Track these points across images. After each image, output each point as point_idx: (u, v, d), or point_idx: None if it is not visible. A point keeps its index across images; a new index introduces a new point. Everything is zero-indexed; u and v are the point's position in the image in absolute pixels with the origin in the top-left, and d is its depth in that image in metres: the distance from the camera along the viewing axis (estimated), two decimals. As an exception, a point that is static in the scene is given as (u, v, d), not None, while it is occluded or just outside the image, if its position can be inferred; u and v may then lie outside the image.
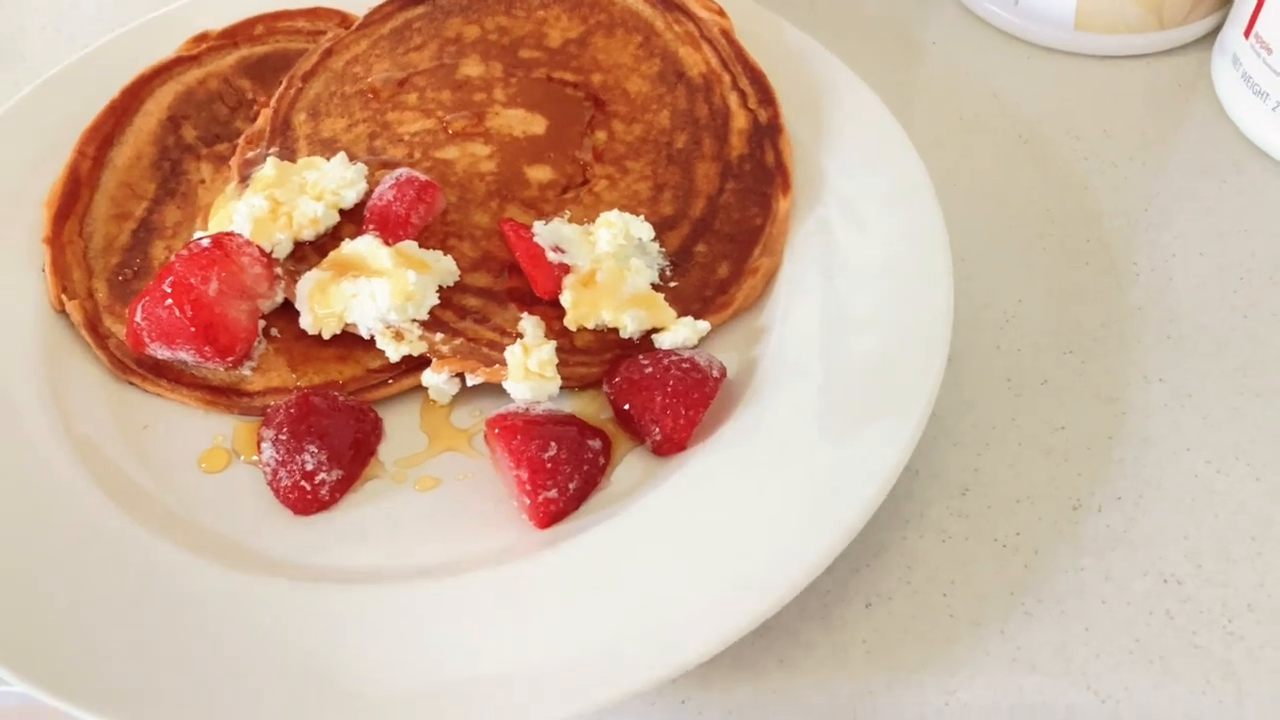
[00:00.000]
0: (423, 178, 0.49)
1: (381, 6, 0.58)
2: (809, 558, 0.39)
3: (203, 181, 0.53)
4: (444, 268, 0.47)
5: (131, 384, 0.47)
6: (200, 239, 0.47)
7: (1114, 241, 0.53)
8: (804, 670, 0.41)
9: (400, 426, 0.46)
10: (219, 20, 0.58)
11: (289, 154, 0.52)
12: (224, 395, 0.47)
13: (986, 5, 0.63)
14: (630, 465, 0.45)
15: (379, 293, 0.45)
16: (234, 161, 0.52)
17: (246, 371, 0.47)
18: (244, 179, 0.51)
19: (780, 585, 0.39)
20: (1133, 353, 0.49)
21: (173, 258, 0.46)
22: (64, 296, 0.49)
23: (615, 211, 0.49)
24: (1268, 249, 0.53)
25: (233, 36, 0.57)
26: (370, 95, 0.54)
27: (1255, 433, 0.46)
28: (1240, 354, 0.49)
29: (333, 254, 0.48)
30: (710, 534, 0.41)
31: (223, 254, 0.46)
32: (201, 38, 0.57)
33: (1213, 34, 0.61)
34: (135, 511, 0.43)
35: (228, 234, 0.47)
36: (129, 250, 0.51)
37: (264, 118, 0.54)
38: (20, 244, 0.50)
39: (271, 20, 0.58)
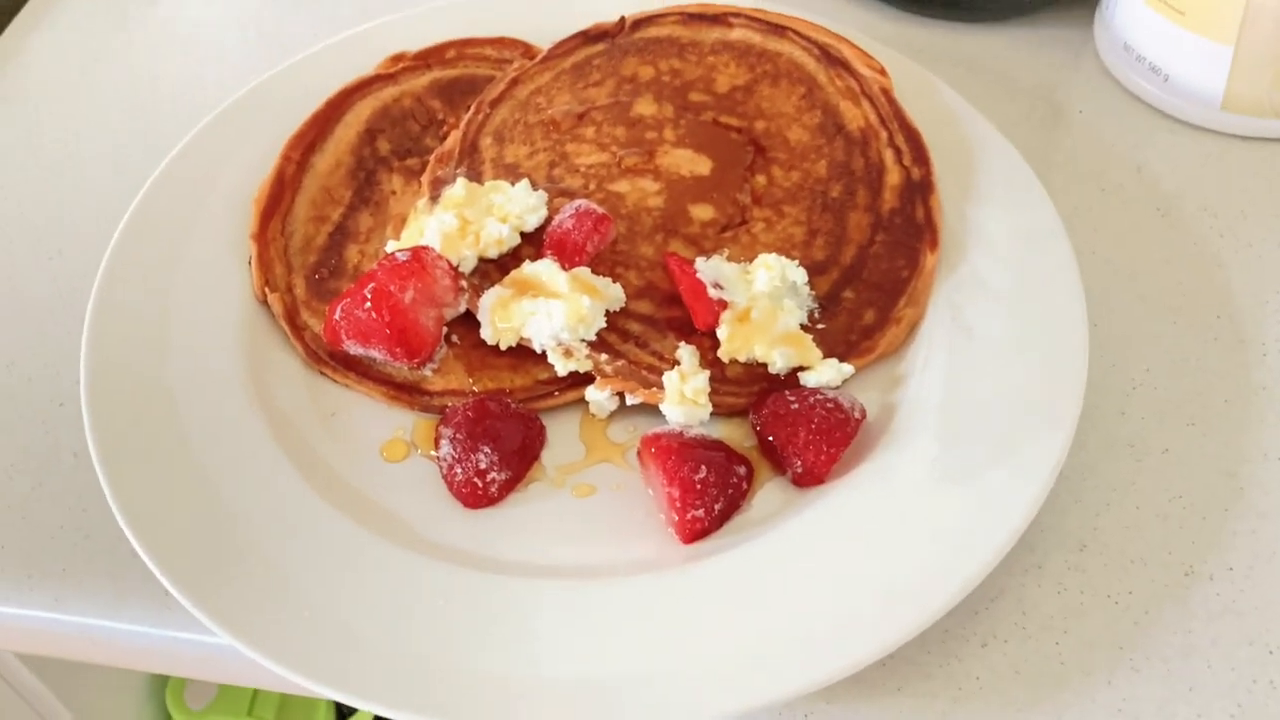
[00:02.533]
0: (599, 210, 0.53)
1: (565, 41, 0.62)
2: (938, 594, 0.43)
3: (394, 193, 0.58)
4: (613, 294, 0.52)
5: (323, 374, 0.53)
6: (397, 251, 0.51)
7: (1244, 320, 0.56)
8: (919, 696, 0.44)
9: (561, 435, 0.51)
10: (413, 42, 0.63)
11: (476, 175, 0.57)
12: (406, 392, 0.51)
13: (1136, 79, 0.65)
14: (770, 493, 0.49)
15: (555, 313, 0.50)
16: (425, 178, 0.57)
17: (428, 372, 0.52)
18: (434, 196, 0.56)
19: (908, 617, 0.42)
20: (1255, 430, 0.51)
21: (374, 266, 0.51)
22: (267, 289, 0.54)
23: (773, 255, 0.53)
24: (1396, 341, 0.54)
25: (426, 59, 0.62)
26: (551, 126, 0.59)
27: (1369, 519, 0.48)
28: (1360, 441, 0.51)
29: (514, 273, 0.52)
30: (844, 563, 0.45)
31: (420, 267, 0.50)
32: (398, 58, 0.62)
33: (1358, 124, 0.62)
34: (324, 489, 0.48)
35: (423, 248, 0.51)
36: (325, 251, 0.56)
37: (453, 139, 0.59)
38: (230, 237, 0.56)
39: (462, 46, 0.63)
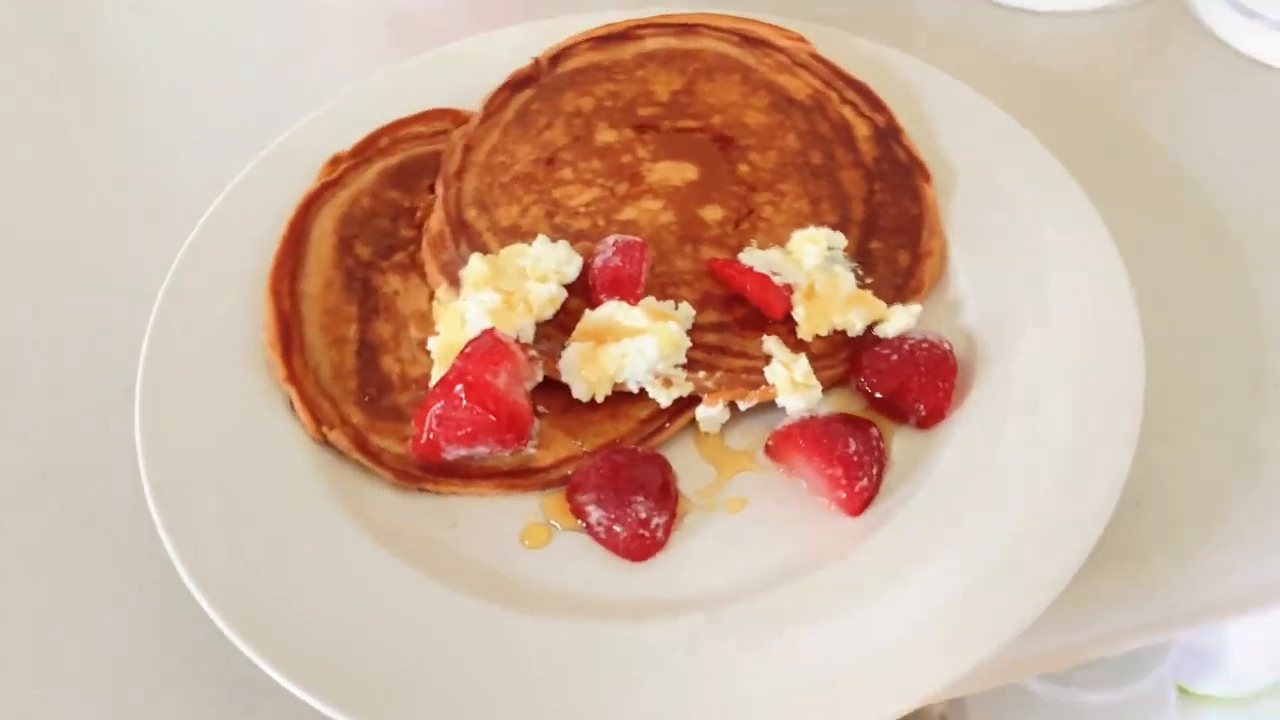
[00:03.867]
0: (634, 239, 0.53)
1: (494, 97, 0.61)
2: (1097, 506, 0.45)
3: (396, 292, 0.56)
4: (684, 314, 0.52)
5: (422, 490, 0.50)
6: (468, 342, 0.49)
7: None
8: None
9: (683, 462, 0.50)
10: (337, 140, 0.60)
11: (481, 249, 0.55)
12: (520, 476, 0.50)
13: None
14: (898, 446, 0.50)
15: (646, 348, 0.50)
16: (429, 268, 0.55)
17: (530, 450, 0.50)
18: (453, 281, 0.54)
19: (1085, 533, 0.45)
20: None
21: (454, 363, 0.49)
22: (324, 428, 0.51)
23: (810, 228, 0.54)
24: None
25: (363, 153, 0.60)
26: (528, 180, 0.58)
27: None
28: None
29: (582, 326, 0.51)
30: (1001, 499, 0.46)
31: (503, 348, 0.49)
32: (336, 160, 0.59)
33: None
34: (497, 597, 0.46)
35: (489, 330, 0.50)
36: (361, 371, 0.53)
37: (436, 221, 0.57)
38: (254, 385, 0.52)
39: (393, 131, 0.61)
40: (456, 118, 0.62)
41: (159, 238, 0.61)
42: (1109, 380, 0.49)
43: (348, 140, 0.60)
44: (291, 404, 0.51)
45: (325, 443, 0.51)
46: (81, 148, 0.69)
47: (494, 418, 0.48)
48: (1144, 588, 0.48)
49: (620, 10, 0.65)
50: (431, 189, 0.59)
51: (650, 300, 0.52)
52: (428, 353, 0.53)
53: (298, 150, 0.60)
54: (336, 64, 0.71)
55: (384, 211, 0.58)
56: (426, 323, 0.55)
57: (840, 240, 0.54)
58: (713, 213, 0.57)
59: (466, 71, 0.64)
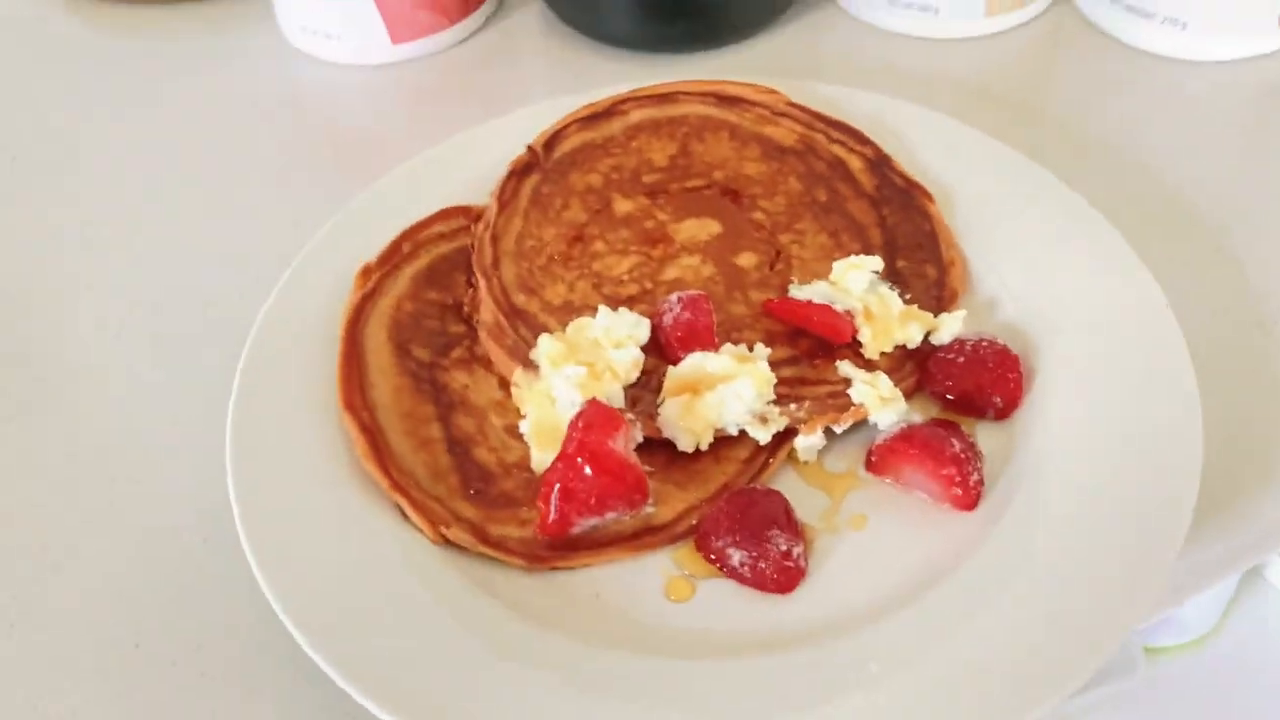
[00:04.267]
0: (696, 292, 0.56)
1: (503, 187, 0.63)
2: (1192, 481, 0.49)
3: (466, 386, 0.56)
4: (760, 353, 0.54)
5: (554, 569, 0.50)
6: (578, 414, 0.50)
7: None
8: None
9: (790, 494, 0.52)
10: (355, 250, 0.61)
11: (540, 329, 0.56)
12: (648, 535, 0.51)
13: (908, 23, 0.77)
14: (981, 439, 0.54)
15: (742, 390, 0.52)
16: (496, 357, 0.56)
17: (649, 509, 0.51)
18: (526, 364, 0.55)
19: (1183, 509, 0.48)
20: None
21: (571, 436, 0.50)
22: (441, 529, 0.51)
23: (850, 256, 0.58)
24: None
25: (390, 261, 0.60)
26: (564, 258, 0.60)
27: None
28: None
29: (670, 382, 0.53)
30: (1098, 471, 0.50)
31: (614, 413, 0.50)
32: (365, 272, 0.59)
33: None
34: (660, 649, 0.47)
35: (592, 400, 0.51)
36: (459, 468, 0.53)
37: (489, 313, 0.58)
38: (354, 503, 0.51)
39: (412, 235, 0.61)
40: (469, 213, 0.63)
41: (183, 394, 0.61)
42: (1153, 344, 0.54)
43: (358, 255, 0.61)
44: (402, 512, 0.51)
45: (446, 542, 0.51)
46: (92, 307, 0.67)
47: (621, 483, 0.49)
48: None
49: (554, 100, 0.68)
50: (469, 284, 0.60)
51: (728, 346, 0.54)
52: (519, 437, 0.54)
53: (319, 268, 0.60)
54: (282, 199, 0.71)
55: (429, 312, 0.59)
56: (505, 410, 0.55)
57: (879, 264, 0.58)
58: (747, 259, 0.60)
59: (458, 170, 0.65)
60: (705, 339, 0.54)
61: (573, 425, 0.50)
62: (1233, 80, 0.73)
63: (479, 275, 0.59)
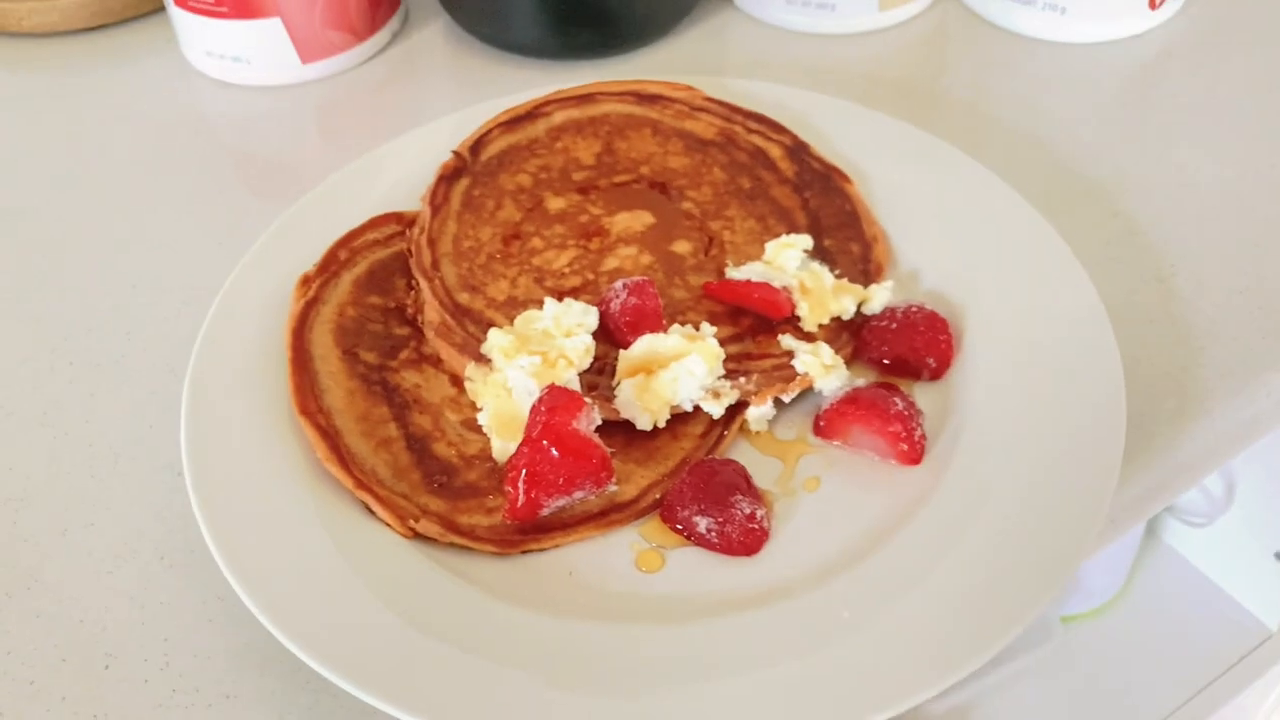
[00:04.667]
0: (641, 278, 0.57)
1: (434, 192, 0.64)
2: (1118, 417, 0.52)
3: (418, 385, 0.57)
4: (707, 331, 0.56)
5: (526, 552, 0.51)
6: (540, 396, 0.52)
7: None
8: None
9: (746, 464, 0.54)
10: (289, 263, 0.61)
11: (487, 325, 0.57)
12: (616, 512, 0.52)
13: (802, 20, 0.80)
14: (919, 399, 0.57)
15: (694, 366, 0.54)
16: (446, 354, 0.57)
17: (613, 487, 0.53)
18: (478, 359, 0.56)
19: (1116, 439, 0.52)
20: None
21: (534, 421, 0.51)
22: (410, 523, 0.51)
23: (782, 235, 0.60)
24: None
25: (328, 269, 0.60)
26: (504, 256, 0.61)
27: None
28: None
29: (623, 365, 0.55)
30: (1030, 421, 0.53)
31: (575, 395, 0.51)
32: (305, 281, 0.60)
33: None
34: (640, 617, 0.48)
35: (550, 385, 0.52)
36: (420, 464, 0.54)
37: (433, 312, 0.58)
38: (314, 508, 0.52)
39: (348, 243, 0.62)
40: (401, 219, 0.64)
41: (119, 405, 0.60)
42: (1072, 296, 0.57)
43: (293, 268, 0.61)
44: (370, 510, 0.52)
45: (416, 535, 0.51)
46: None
47: (588, 461, 0.50)
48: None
49: (472, 108, 0.69)
50: (409, 287, 0.61)
51: (676, 327, 0.56)
52: (476, 430, 0.55)
53: (255, 281, 0.60)
54: (201, 224, 0.71)
55: (372, 317, 0.59)
56: (460, 405, 0.56)
57: (809, 241, 0.60)
58: (683, 246, 0.62)
59: (385, 180, 0.66)
60: (653, 321, 0.56)
61: (535, 410, 0.51)
62: (1110, 59, 0.78)
63: (420, 277, 0.60)
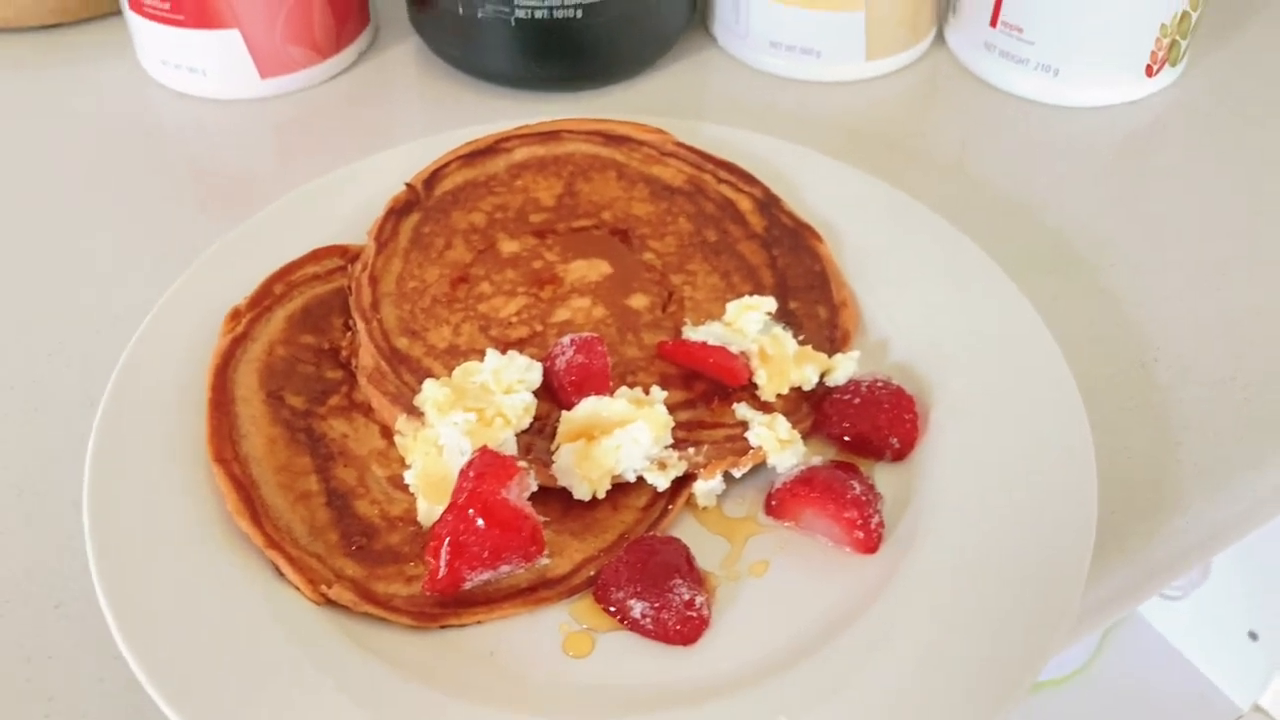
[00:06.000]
0: (590, 335, 0.54)
1: (381, 227, 0.60)
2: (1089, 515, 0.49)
3: (345, 435, 0.53)
4: (656, 396, 0.53)
5: (445, 627, 0.48)
6: (469, 461, 0.48)
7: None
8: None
9: (689, 542, 0.51)
10: (223, 293, 0.57)
11: (424, 374, 0.54)
12: (545, 589, 0.48)
13: (788, 66, 0.77)
14: (879, 481, 0.53)
15: (639, 434, 0.50)
16: (377, 404, 0.53)
17: (544, 560, 0.49)
18: (410, 411, 0.52)
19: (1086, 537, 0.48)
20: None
21: (461, 487, 0.47)
22: (323, 588, 0.47)
23: (744, 298, 0.57)
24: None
25: (261, 303, 0.57)
26: (449, 300, 0.57)
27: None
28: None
29: (564, 428, 0.51)
30: (994, 507, 0.50)
31: (505, 462, 0.48)
32: (235, 314, 0.56)
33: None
34: (559, 711, 0.45)
35: (482, 447, 0.49)
36: (339, 523, 0.50)
37: (368, 357, 0.55)
38: (221, 563, 0.48)
39: (285, 276, 0.58)
40: (345, 253, 0.60)
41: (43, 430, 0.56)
42: (1047, 381, 0.54)
43: (227, 298, 0.57)
44: (279, 571, 0.48)
45: (327, 602, 0.47)
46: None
47: (517, 534, 0.47)
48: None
49: (434, 136, 0.66)
50: (346, 327, 0.57)
51: (624, 389, 0.52)
52: (403, 488, 0.51)
53: (184, 311, 0.56)
54: (142, 240, 0.67)
55: (304, 357, 0.56)
56: (388, 460, 0.52)
57: (772, 304, 0.57)
58: (639, 300, 0.58)
59: (334, 208, 0.62)
60: (600, 383, 0.52)
61: (463, 475, 0.48)
62: (1103, 124, 0.75)
63: (357, 318, 0.56)
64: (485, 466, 0.47)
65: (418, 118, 0.77)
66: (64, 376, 0.59)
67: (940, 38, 0.81)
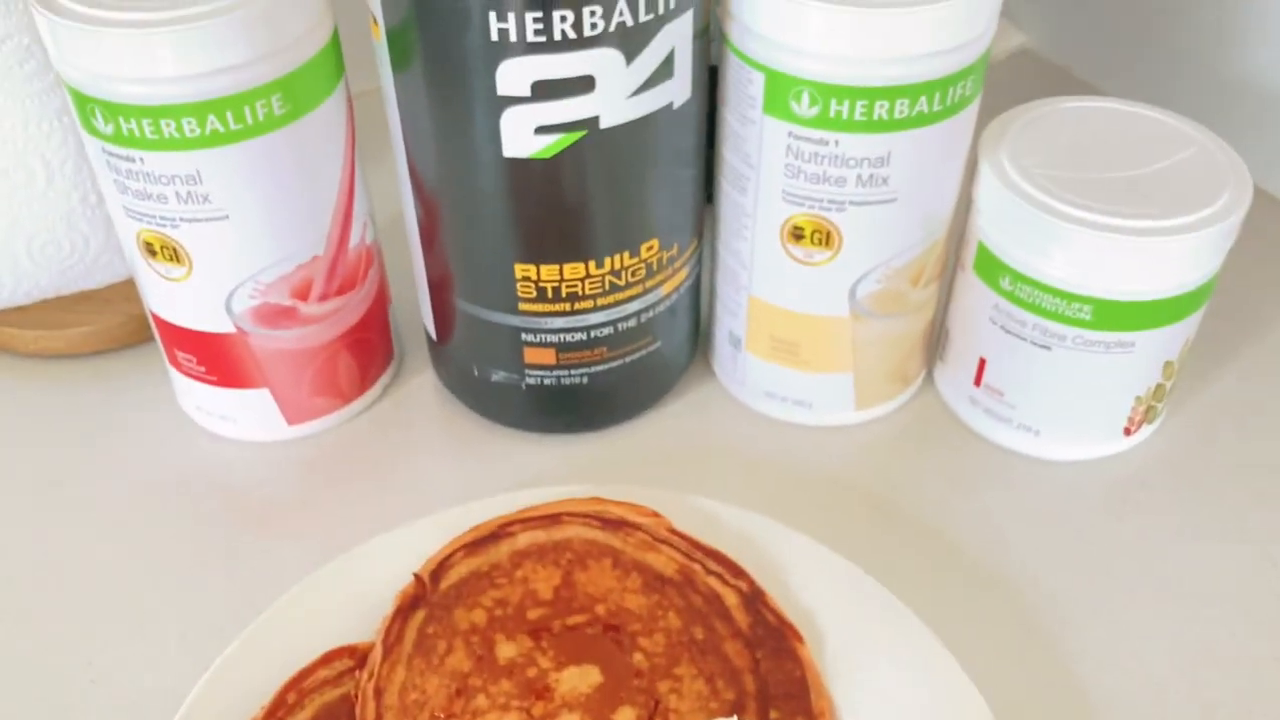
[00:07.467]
0: (575, 772, 0.57)
1: (388, 628, 0.64)
2: None
3: None
4: (637, 837, 0.56)
5: None
6: None
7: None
8: None
9: None
10: (240, 704, 0.61)
11: (421, 802, 0.57)
12: None
13: (782, 414, 0.82)
14: None
15: None
16: (376, 834, 0.57)
17: None
18: (406, 847, 0.56)
19: None
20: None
21: None
22: None
23: (723, 722, 0.60)
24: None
25: (275, 714, 0.61)
26: (445, 716, 0.61)
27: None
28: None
29: None
30: None
31: None
32: (250, 729, 0.60)
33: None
34: None
35: None
36: None
37: (370, 778, 0.59)
38: None
39: (297, 683, 0.62)
40: (354, 653, 0.64)
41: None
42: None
43: (248, 706, 0.61)
44: None
45: None
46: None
47: None
48: None
49: (444, 512, 0.70)
50: (353, 738, 0.61)
51: (601, 828, 0.56)
52: None
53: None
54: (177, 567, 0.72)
55: (313, 775, 0.60)
56: None
57: (748, 730, 0.60)
58: (626, 714, 0.62)
59: (347, 595, 0.67)
60: (581, 826, 0.56)
61: None
62: (1081, 477, 0.78)
63: (360, 737, 0.60)
64: None
65: (433, 450, 0.82)
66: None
67: (930, 378, 0.85)
